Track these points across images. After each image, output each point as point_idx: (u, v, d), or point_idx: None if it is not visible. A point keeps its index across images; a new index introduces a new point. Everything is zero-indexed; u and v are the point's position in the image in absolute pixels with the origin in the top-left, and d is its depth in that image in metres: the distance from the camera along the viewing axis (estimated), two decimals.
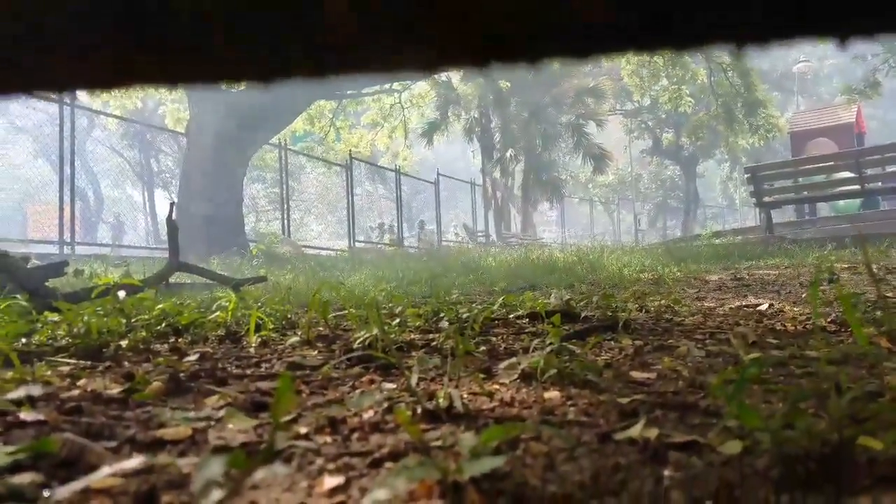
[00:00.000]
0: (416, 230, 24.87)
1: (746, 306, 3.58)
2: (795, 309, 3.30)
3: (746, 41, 0.56)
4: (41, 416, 1.25)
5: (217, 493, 0.65)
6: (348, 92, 21.01)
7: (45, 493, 0.82)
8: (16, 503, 0.78)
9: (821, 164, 13.86)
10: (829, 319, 2.76)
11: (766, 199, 13.44)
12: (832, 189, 13.53)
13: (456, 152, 39.85)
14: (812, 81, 52.84)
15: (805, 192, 14.03)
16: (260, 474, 0.73)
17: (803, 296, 4.10)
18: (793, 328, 2.61)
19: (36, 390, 1.46)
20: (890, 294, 3.74)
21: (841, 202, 16.79)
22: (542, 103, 30.45)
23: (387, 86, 23.62)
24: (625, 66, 19.81)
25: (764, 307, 3.46)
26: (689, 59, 20.06)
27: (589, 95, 30.65)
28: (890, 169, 13.24)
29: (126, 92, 16.17)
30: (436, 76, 26.24)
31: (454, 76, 30.00)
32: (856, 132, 21.56)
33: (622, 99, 37.09)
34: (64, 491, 0.78)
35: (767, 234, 12.94)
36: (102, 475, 0.83)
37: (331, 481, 0.91)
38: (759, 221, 14.43)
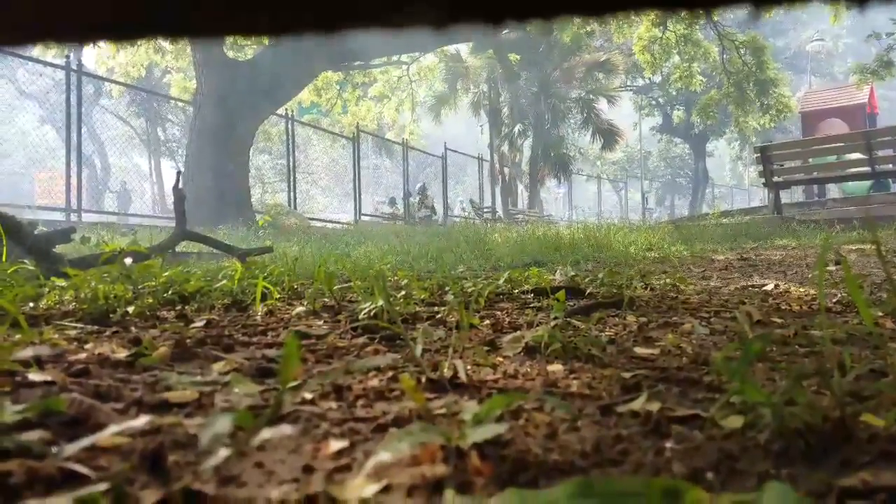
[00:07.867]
0: (416, 196, 24.18)
1: (752, 286, 3.58)
2: (801, 290, 3.30)
3: (765, 1, 0.55)
4: (49, 377, 1.27)
5: (223, 451, 0.65)
6: (356, 63, 20.84)
7: (53, 450, 0.84)
8: (24, 459, 0.79)
9: (831, 145, 13.74)
10: (833, 300, 2.76)
11: (776, 179, 13.35)
12: (842, 170, 13.43)
13: (463, 127, 39.61)
14: (825, 61, 52.26)
15: (815, 173, 13.92)
16: (266, 434, 0.74)
17: (809, 276, 4.09)
18: (798, 308, 2.61)
19: (44, 352, 1.47)
20: None
21: (850, 184, 16.67)
22: (552, 78, 30.18)
23: (395, 58, 23.42)
24: (637, 42, 19.55)
25: (769, 287, 3.45)
26: (702, 35, 19.80)
27: (599, 70, 30.37)
28: None
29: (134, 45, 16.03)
30: (444, 48, 26.00)
31: (463, 49, 29.75)
32: (868, 113, 21.37)
33: (633, 75, 36.74)
34: (71, 448, 0.79)
35: (776, 214, 12.89)
36: (109, 433, 0.84)
37: (336, 444, 0.92)
38: (768, 201, 14.34)
